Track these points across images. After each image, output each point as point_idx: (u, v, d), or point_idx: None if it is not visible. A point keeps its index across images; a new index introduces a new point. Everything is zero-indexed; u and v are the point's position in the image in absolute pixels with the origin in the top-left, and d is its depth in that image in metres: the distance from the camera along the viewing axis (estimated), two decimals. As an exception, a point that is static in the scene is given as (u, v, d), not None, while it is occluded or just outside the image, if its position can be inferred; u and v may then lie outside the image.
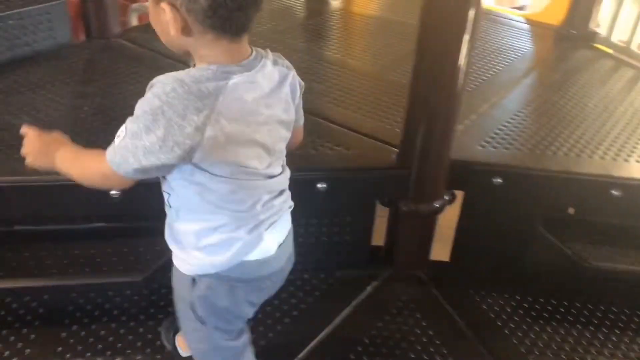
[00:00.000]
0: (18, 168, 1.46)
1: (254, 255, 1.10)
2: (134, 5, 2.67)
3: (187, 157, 0.93)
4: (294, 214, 1.20)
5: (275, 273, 1.18)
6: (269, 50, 1.05)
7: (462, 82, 1.55)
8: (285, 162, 1.16)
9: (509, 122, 1.91)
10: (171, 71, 0.94)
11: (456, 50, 1.49)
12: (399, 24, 2.68)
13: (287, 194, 1.17)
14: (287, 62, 1.09)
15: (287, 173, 1.17)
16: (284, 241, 1.16)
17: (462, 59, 1.50)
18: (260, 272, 1.13)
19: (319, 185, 1.59)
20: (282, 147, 1.11)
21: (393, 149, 1.71)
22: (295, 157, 1.62)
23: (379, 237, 1.84)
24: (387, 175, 1.66)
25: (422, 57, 1.58)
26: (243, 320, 1.26)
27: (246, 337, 1.31)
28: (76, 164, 1.07)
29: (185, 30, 0.93)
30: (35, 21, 2.10)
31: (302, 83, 1.14)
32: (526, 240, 1.80)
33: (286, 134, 1.11)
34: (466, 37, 1.47)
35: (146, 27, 2.54)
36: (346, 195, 1.67)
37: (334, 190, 1.61)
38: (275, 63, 1.04)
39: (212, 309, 1.16)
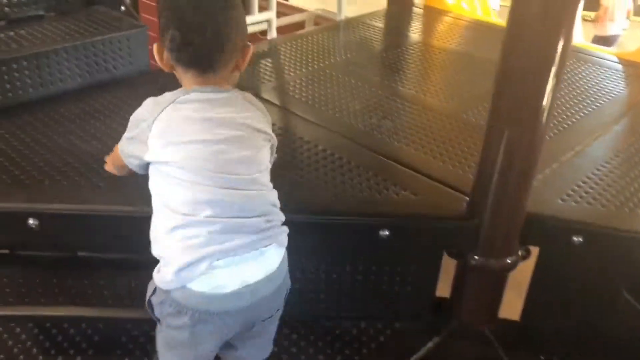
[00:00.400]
0: (86, 196, 1.49)
1: (200, 286, 1.08)
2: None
3: (143, 152, 1.13)
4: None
5: (237, 313, 1.13)
6: (248, 94, 1.22)
7: (544, 126, 1.42)
8: (266, 204, 1.17)
9: (594, 174, 1.75)
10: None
11: (539, 90, 1.37)
12: (479, 60, 2.57)
13: (268, 231, 1.14)
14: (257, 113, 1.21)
15: (261, 206, 1.15)
16: (258, 282, 1.12)
17: (545, 101, 1.37)
18: (208, 306, 1.10)
19: (382, 233, 1.51)
20: (237, 170, 1.12)
21: (464, 197, 1.61)
22: (358, 201, 1.59)
23: (443, 289, 1.73)
24: (456, 226, 1.56)
25: (501, 96, 1.47)
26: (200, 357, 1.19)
27: None
28: (111, 157, 1.40)
29: (166, 63, 1.15)
30: (116, 47, 2.16)
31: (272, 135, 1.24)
32: (607, 306, 1.63)
33: (238, 158, 1.13)
34: (551, 76, 1.35)
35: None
36: (411, 244, 1.58)
37: (397, 239, 1.53)
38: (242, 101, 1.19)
39: (166, 336, 1.18)
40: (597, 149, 1.92)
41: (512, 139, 1.44)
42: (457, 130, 1.97)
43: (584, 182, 1.70)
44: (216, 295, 1.09)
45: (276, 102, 2.13)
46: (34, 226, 1.47)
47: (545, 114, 1.40)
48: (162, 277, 1.11)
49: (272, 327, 1.31)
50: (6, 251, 1.61)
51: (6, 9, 2.19)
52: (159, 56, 1.15)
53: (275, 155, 1.30)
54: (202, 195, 1.08)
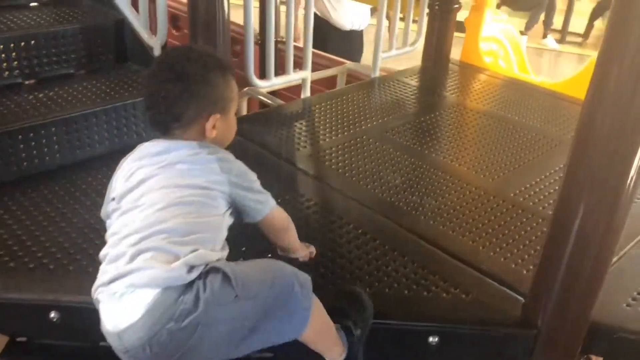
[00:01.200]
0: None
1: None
2: (244, 90, 2.63)
3: None
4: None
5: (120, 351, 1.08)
6: (215, 148, 1.26)
7: (625, 212, 1.22)
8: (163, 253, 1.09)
9: (661, 272, 1.61)
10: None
11: (625, 170, 1.16)
12: (520, 126, 2.46)
13: (132, 281, 1.06)
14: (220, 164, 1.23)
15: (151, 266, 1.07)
16: (123, 330, 1.05)
17: (630, 184, 1.16)
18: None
19: (431, 339, 1.38)
20: (141, 217, 1.13)
21: (519, 298, 1.47)
22: (405, 301, 1.45)
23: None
24: (510, 334, 1.42)
25: (574, 178, 1.25)
26: None
27: None
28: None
29: None
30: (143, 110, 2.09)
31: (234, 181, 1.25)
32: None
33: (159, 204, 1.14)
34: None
35: (256, 116, 2.51)
36: (461, 352, 1.44)
37: (446, 345, 1.39)
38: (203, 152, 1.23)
39: None
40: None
41: (586, 230, 1.24)
42: (507, 213, 1.84)
43: (651, 283, 1.56)
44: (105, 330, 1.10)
45: (311, 171, 2.03)
46: (55, 319, 1.38)
47: (628, 198, 1.19)
48: None
49: None
50: (23, 339, 1.50)
51: (37, 68, 2.13)
52: None
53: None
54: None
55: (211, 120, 1.25)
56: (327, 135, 2.29)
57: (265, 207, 1.31)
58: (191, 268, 1.07)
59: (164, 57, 1.31)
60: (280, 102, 2.68)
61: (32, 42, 2.10)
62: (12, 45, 2.05)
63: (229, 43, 2.14)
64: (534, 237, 1.73)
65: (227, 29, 2.06)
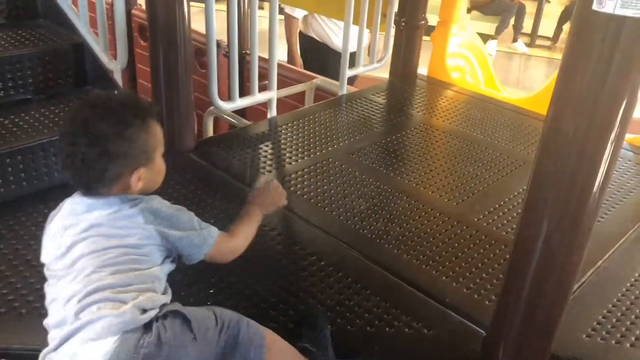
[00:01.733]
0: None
1: None
2: (210, 109, 2.60)
3: None
4: None
5: None
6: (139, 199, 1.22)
7: (587, 236, 1.18)
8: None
9: (620, 300, 1.63)
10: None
11: (586, 192, 1.12)
12: (487, 145, 2.47)
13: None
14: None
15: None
16: None
17: (592, 205, 1.12)
18: None
19: (392, 378, 1.37)
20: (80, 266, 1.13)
21: (481, 330, 1.48)
22: (368, 339, 1.44)
23: None
24: (472, 370, 1.42)
25: (535, 201, 1.20)
26: None
27: None
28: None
29: None
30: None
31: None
32: None
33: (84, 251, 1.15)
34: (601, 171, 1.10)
35: (220, 139, 2.47)
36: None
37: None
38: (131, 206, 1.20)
39: None
40: (622, 264, 1.80)
41: (548, 248, 1.19)
42: (470, 240, 1.85)
43: (610, 312, 1.58)
44: None
45: (276, 199, 2.00)
46: (7, 368, 1.33)
47: (591, 214, 1.15)
48: None
49: None
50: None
51: (-8, 93, 2.07)
52: None
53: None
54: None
55: (135, 175, 1.21)
56: (292, 158, 2.27)
57: (203, 246, 1.28)
58: (143, 311, 1.07)
59: (76, 115, 1.20)
60: (246, 122, 2.65)
61: (-14, 68, 2.04)
62: (-35, 71, 1.99)
63: (191, 54, 2.10)
64: (496, 265, 1.74)
65: (188, 41, 2.03)
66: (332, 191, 2.05)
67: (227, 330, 1.14)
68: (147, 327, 1.05)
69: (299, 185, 2.08)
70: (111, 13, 2.31)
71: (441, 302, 1.57)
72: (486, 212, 2.00)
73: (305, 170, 2.18)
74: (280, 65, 2.55)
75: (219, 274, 1.55)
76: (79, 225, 1.17)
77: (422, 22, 3.05)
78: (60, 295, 1.11)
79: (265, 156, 2.28)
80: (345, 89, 2.94)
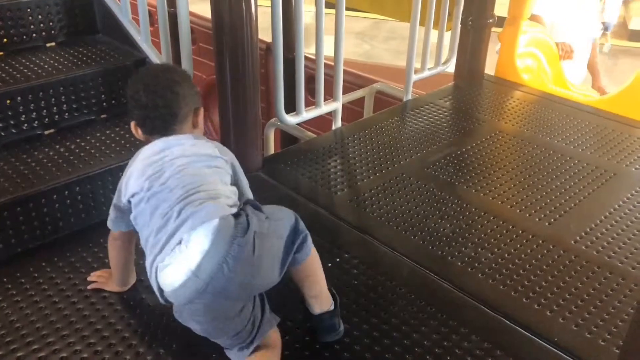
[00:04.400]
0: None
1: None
2: (272, 121, 2.49)
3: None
4: None
5: (194, 298, 1.21)
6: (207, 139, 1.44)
7: None
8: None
9: None
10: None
11: None
12: (572, 156, 2.29)
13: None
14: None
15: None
16: (200, 263, 1.18)
17: None
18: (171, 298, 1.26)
19: None
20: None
21: (600, 379, 1.33)
22: None
23: None
24: None
25: None
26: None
27: None
28: None
29: (140, 135, 1.43)
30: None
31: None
32: None
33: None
34: None
35: (286, 154, 2.36)
36: None
37: None
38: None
39: None
40: None
41: None
42: (570, 266, 1.69)
43: None
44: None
45: (352, 221, 1.88)
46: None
47: None
48: None
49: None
50: None
51: (56, 116, 2.01)
52: (135, 131, 1.43)
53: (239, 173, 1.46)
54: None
55: (199, 114, 1.45)
56: (364, 174, 2.14)
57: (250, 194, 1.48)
58: (230, 207, 1.27)
59: (143, 76, 1.43)
60: (309, 134, 2.53)
61: (51, 90, 1.97)
62: (30, 96, 1.92)
63: (257, 62, 1.98)
64: (604, 296, 1.58)
65: (255, 47, 1.91)
66: (411, 212, 1.92)
67: (287, 219, 1.35)
68: (236, 214, 1.25)
69: (374, 206, 1.95)
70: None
71: (550, 341, 1.43)
72: (583, 233, 1.84)
73: (379, 188, 2.05)
74: (328, 66, 2.39)
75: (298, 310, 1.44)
76: (163, 158, 1.33)
77: (490, 20, 2.87)
78: (159, 206, 1.25)
79: (335, 172, 2.16)
80: (410, 94, 2.79)
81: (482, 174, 2.17)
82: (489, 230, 1.84)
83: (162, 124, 1.38)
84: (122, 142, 1.97)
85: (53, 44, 2.27)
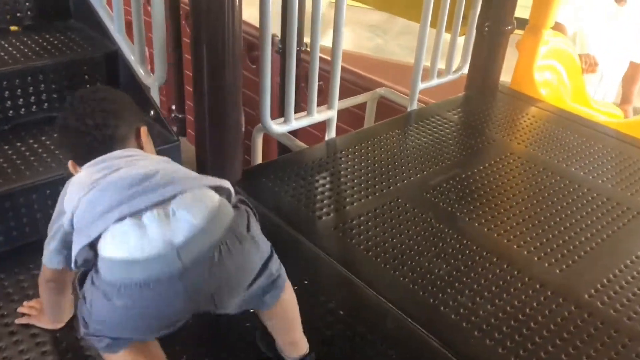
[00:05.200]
0: None
1: (106, 247, 1.03)
2: (258, 126, 2.25)
3: None
4: None
5: (160, 281, 1.00)
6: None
7: None
8: None
9: None
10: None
11: None
12: (592, 188, 2.04)
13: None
14: None
15: None
16: (187, 240, 1.01)
17: None
18: (126, 275, 1.01)
19: None
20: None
21: None
22: None
23: None
24: None
25: None
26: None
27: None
28: None
29: (74, 169, 1.25)
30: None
31: None
32: None
33: None
34: None
35: (270, 166, 2.12)
36: None
37: None
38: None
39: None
40: None
41: None
42: (584, 326, 1.44)
43: None
44: (131, 261, 1.01)
45: (335, 254, 1.63)
46: None
47: None
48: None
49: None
50: None
51: (10, 112, 1.77)
52: (73, 169, 1.23)
53: None
54: None
55: (144, 133, 1.29)
56: (355, 196, 1.90)
57: None
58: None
59: (71, 100, 1.28)
60: (300, 143, 2.28)
61: (5, 82, 1.74)
62: (-22, 87, 1.70)
63: (239, 54, 1.72)
64: (622, 369, 1.34)
65: (237, 38, 1.66)
66: (404, 246, 1.68)
67: (274, 257, 1.20)
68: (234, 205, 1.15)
69: (362, 237, 1.71)
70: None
71: None
72: (599, 286, 1.59)
73: (370, 214, 1.81)
74: (329, 62, 2.13)
75: None
76: (108, 167, 1.15)
77: (509, 27, 2.60)
78: (123, 178, 1.09)
79: (322, 192, 1.91)
80: (415, 104, 2.53)
81: (488, 204, 1.92)
82: (490, 275, 1.60)
83: (98, 146, 1.20)
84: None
85: (17, 28, 2.03)
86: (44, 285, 1.25)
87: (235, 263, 1.07)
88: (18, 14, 2.03)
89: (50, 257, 1.18)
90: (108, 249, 1.02)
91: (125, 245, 1.00)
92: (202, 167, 1.83)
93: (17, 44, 1.92)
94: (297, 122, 2.09)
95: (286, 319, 1.26)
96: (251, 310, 1.27)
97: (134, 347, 1.10)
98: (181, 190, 1.06)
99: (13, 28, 2.03)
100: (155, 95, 1.89)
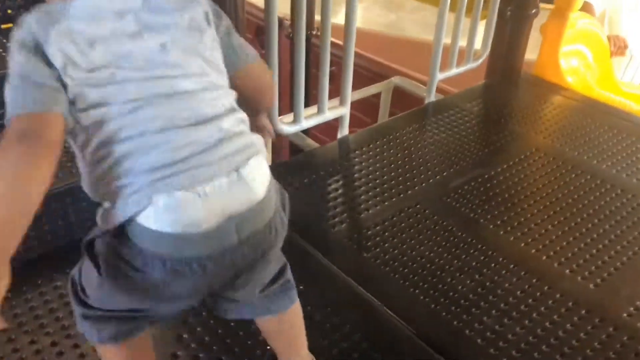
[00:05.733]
0: None
1: (164, 224, 0.82)
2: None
3: None
4: None
5: (209, 257, 0.86)
6: None
7: None
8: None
9: None
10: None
11: None
12: (626, 189, 1.89)
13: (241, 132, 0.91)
14: None
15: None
16: (239, 214, 0.86)
17: None
18: (177, 251, 0.84)
19: None
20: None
21: None
22: None
23: None
24: None
25: None
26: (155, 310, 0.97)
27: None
28: None
29: None
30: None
31: None
32: None
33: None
34: None
35: (280, 167, 2.00)
36: None
37: None
38: None
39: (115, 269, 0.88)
40: None
41: None
42: (623, 351, 1.32)
43: None
44: (187, 236, 0.84)
45: (349, 269, 1.52)
46: None
47: None
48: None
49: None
50: None
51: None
52: None
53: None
54: None
55: None
56: (369, 202, 1.77)
57: None
58: None
59: None
60: (311, 142, 2.15)
61: None
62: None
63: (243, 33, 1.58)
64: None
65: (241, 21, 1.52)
66: (424, 259, 1.56)
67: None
68: None
69: (378, 249, 1.59)
70: None
71: None
72: (638, 303, 1.46)
73: (387, 223, 1.69)
74: (339, 47, 1.98)
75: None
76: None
77: (533, 11, 2.43)
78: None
79: (336, 198, 1.79)
80: (433, 96, 2.38)
81: (513, 208, 1.78)
82: (518, 292, 1.47)
83: None
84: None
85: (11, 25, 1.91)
86: (7, 150, 0.77)
87: (277, 247, 0.97)
88: (8, 11, 1.91)
89: (25, 94, 0.81)
90: (154, 221, 0.82)
91: (179, 220, 0.83)
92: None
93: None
94: (307, 121, 1.95)
95: (293, 334, 1.16)
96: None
97: (132, 342, 1.00)
98: (256, 152, 0.90)
99: (5, 26, 1.91)
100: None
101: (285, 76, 2.37)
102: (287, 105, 2.49)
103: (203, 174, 0.84)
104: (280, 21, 2.94)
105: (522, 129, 2.24)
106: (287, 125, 1.92)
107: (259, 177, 0.89)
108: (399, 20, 8.25)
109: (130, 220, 0.83)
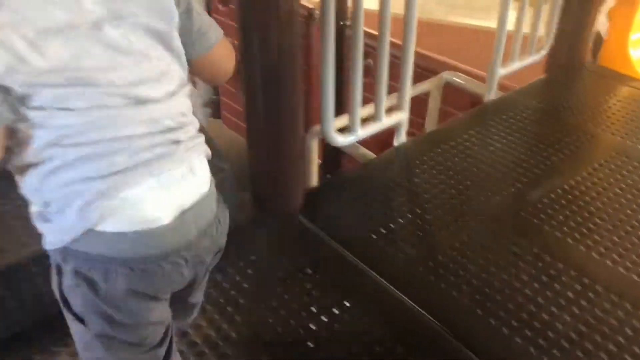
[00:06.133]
0: None
1: (124, 224, 0.79)
2: (315, 128, 1.92)
3: None
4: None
5: (177, 252, 0.84)
6: None
7: None
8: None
9: None
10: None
11: None
12: None
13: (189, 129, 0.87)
14: None
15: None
16: (193, 206, 0.85)
17: None
18: (142, 250, 0.81)
19: None
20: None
21: None
22: None
23: None
24: None
25: None
26: (146, 326, 0.88)
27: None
28: None
29: None
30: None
31: None
32: None
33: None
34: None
35: (335, 184, 1.81)
36: None
37: None
38: None
39: (89, 304, 0.84)
40: None
41: None
42: None
43: None
44: (151, 232, 0.81)
45: (429, 306, 1.33)
46: None
47: None
48: (59, 225, 0.80)
49: None
50: None
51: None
52: None
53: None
54: None
55: None
56: (439, 222, 1.58)
57: None
58: None
59: None
60: (365, 151, 1.95)
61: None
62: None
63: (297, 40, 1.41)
64: None
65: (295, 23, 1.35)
66: (508, 291, 1.36)
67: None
68: None
69: (454, 278, 1.40)
70: None
71: None
72: None
73: (461, 245, 1.50)
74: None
75: None
76: None
77: (602, -7, 2.20)
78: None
79: (401, 218, 1.60)
80: (494, 93, 2.17)
81: (604, 225, 1.58)
82: (629, 331, 1.27)
83: None
84: None
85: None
86: None
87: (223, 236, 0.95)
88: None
89: None
90: (111, 223, 0.79)
91: (138, 215, 0.80)
92: (257, 196, 1.55)
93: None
94: (364, 130, 1.75)
95: None
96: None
97: None
98: (203, 149, 0.90)
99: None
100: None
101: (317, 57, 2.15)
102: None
103: (156, 169, 0.81)
104: (310, 11, 2.72)
105: (596, 129, 2.02)
106: (342, 137, 1.72)
107: (202, 171, 0.88)
108: (424, 2, 7.98)
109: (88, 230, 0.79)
